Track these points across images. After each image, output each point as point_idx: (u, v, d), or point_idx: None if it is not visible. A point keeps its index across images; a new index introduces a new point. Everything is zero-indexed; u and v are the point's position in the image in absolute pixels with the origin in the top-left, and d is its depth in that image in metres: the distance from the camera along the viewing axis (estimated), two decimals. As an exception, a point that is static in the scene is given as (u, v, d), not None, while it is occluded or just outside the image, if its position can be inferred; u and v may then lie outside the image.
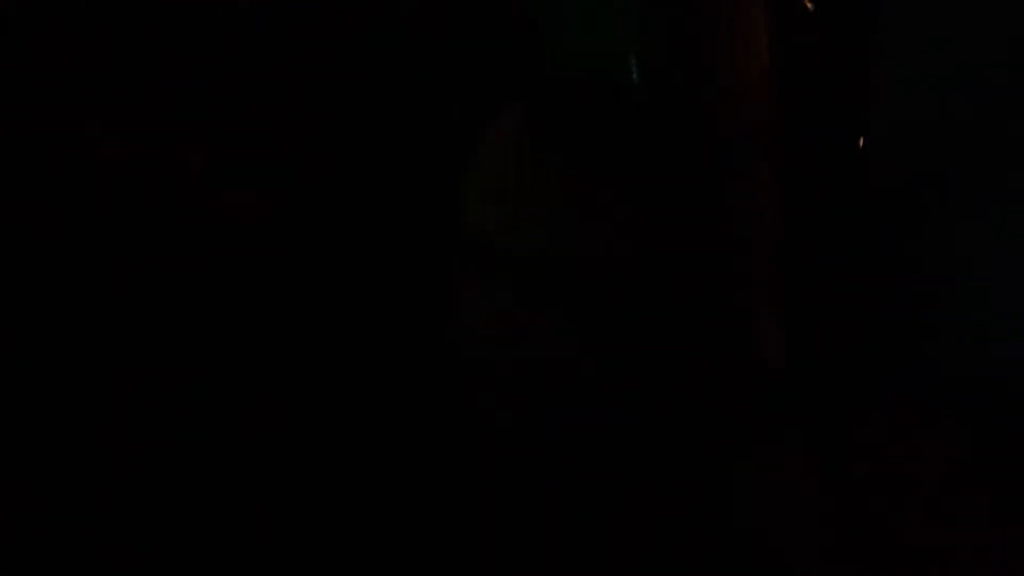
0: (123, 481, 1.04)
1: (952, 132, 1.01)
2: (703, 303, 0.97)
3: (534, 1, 0.98)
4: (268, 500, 1.04)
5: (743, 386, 1.00)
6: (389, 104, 1.26)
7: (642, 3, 0.92)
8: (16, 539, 1.01)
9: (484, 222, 0.95)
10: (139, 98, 1.20)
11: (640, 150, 0.95)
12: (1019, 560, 0.91)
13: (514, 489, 0.98)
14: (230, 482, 1.05)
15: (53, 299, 1.13)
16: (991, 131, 0.99)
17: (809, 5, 1.13)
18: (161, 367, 1.11)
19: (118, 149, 1.18)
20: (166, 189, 1.17)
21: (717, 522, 0.95)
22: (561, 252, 0.93)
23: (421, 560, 0.99)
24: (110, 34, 1.22)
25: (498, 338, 0.94)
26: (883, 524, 0.93)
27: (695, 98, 0.95)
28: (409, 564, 1.00)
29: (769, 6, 0.99)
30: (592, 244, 0.93)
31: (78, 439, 1.07)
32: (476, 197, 0.97)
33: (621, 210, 0.93)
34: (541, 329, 0.93)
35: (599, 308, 0.93)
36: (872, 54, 1.05)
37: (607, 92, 0.95)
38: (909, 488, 0.94)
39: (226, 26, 1.24)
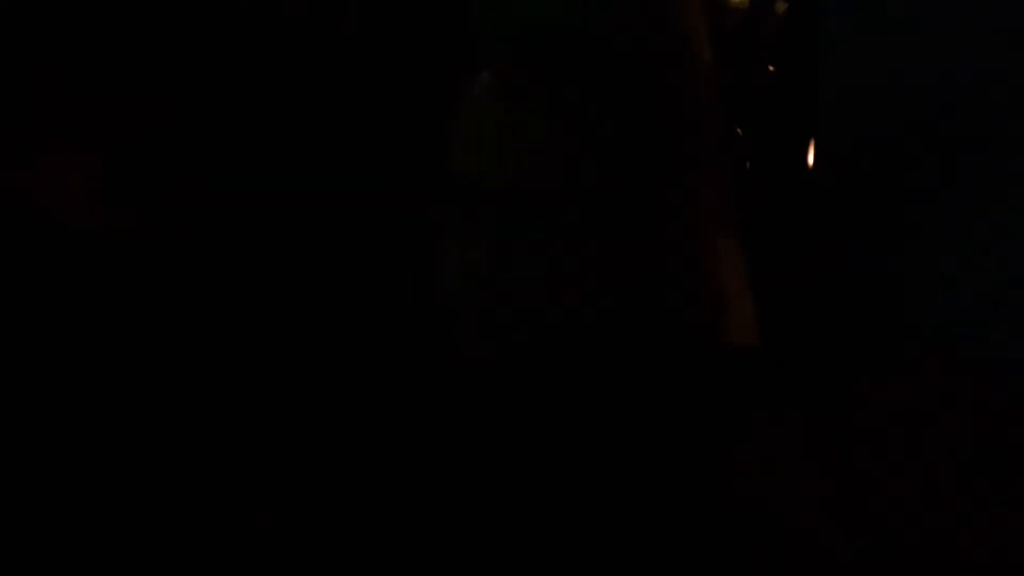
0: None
1: (910, 123, 1.04)
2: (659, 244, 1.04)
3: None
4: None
5: (716, 354, 1.03)
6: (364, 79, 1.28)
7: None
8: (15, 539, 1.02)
9: (468, 165, 1.05)
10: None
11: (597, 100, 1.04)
12: (1019, 538, 0.92)
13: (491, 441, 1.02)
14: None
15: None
16: (950, 119, 1.02)
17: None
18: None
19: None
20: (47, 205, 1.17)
21: (714, 500, 0.97)
22: (532, 187, 1.02)
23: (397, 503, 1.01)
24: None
25: (475, 275, 1.02)
26: (884, 504, 0.94)
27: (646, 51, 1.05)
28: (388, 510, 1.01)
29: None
30: (557, 180, 1.02)
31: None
32: (460, 144, 1.06)
33: (579, 147, 1.03)
34: (515, 266, 1.02)
35: (566, 247, 1.01)
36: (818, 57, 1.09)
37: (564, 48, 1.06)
38: (909, 467, 0.95)
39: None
